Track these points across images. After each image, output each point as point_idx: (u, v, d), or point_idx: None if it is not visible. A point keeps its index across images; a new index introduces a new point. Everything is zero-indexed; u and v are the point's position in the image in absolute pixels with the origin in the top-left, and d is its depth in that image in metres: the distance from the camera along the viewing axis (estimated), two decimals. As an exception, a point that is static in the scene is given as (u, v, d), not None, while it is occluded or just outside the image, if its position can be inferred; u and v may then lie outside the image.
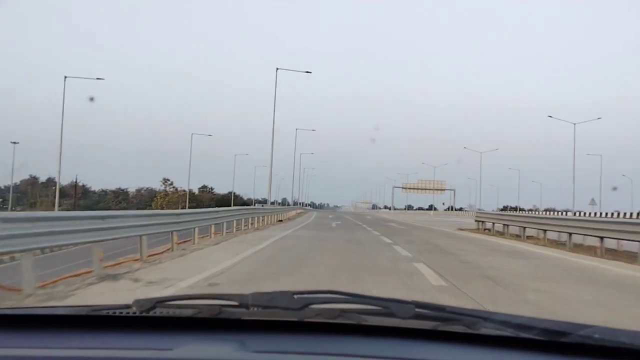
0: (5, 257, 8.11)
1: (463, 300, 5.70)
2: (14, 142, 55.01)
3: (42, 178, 72.76)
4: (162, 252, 10.12)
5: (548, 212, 54.84)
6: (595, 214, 38.85)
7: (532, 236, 16.42)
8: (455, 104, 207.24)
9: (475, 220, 22.74)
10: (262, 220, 21.87)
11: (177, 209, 52.92)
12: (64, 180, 69.70)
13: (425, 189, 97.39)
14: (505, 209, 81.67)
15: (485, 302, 5.58)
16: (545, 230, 15.60)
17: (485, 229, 20.93)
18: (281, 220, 26.89)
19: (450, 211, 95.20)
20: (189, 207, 59.72)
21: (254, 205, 62.55)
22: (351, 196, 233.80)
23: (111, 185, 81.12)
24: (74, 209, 49.02)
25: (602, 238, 12.14)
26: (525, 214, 27.10)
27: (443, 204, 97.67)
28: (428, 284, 6.79)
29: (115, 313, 1.30)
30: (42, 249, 6.92)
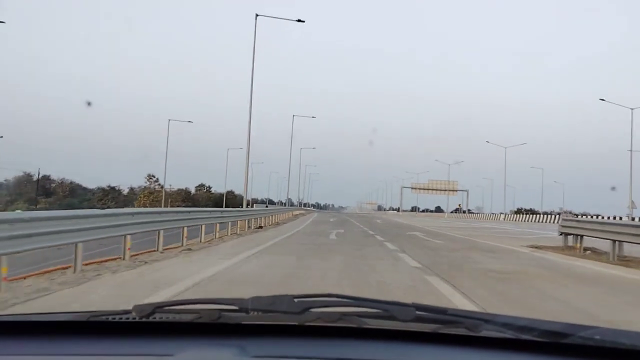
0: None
1: None
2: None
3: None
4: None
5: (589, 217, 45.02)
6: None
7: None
8: (465, 101, 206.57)
9: (561, 233, 13.95)
10: (232, 227, 16.57)
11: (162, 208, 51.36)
12: (54, 177, 69.38)
13: (436, 190, 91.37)
14: (519, 211, 75.86)
15: None
16: None
17: (582, 249, 12.83)
18: (261, 227, 20.71)
19: (458, 213, 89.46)
20: (184, 207, 58.59)
21: (251, 206, 58.20)
22: (356, 197, 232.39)
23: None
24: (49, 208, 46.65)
25: None
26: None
27: (459, 205, 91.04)
28: None
29: (115, 318, 1.30)
30: None
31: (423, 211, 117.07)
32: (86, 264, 7.48)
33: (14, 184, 67.84)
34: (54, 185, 73.37)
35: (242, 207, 26.54)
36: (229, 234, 15.56)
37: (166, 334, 1.25)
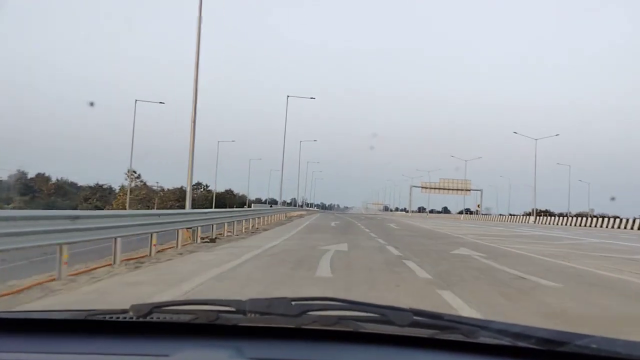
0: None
1: None
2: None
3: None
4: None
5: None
6: None
7: None
8: (472, 100, 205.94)
9: None
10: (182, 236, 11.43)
11: (145, 209, 48.46)
12: (54, 176, 66.53)
13: (448, 189, 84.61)
14: (532, 213, 71.22)
15: None
16: None
17: None
18: (215, 240, 13.26)
19: (467, 215, 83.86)
20: (177, 206, 55.43)
21: (248, 206, 56.03)
22: (362, 197, 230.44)
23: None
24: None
25: None
26: None
27: (478, 206, 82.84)
28: None
29: (112, 318, 1.30)
30: None
31: (430, 212, 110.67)
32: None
33: (10, 182, 65.15)
34: (37, 182, 69.53)
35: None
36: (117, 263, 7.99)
37: (163, 334, 1.25)
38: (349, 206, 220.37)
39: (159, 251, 9.94)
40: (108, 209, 46.70)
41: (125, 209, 43.45)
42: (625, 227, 39.03)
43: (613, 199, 66.03)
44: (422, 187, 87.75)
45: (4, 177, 62.66)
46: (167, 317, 1.30)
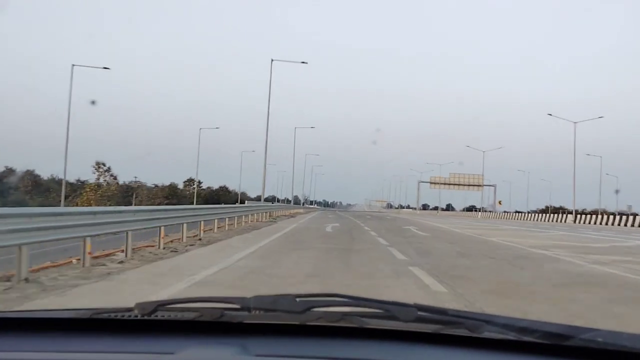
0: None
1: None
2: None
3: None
4: None
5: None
6: None
7: None
8: (476, 98, 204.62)
9: None
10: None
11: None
12: (45, 174, 62.74)
13: (459, 185, 78.82)
14: (547, 210, 66.96)
15: None
16: None
17: None
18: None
19: (470, 212, 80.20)
20: (166, 204, 52.20)
21: (239, 203, 50.69)
22: (365, 194, 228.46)
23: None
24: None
25: None
26: None
27: (500, 203, 75.27)
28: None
29: (117, 316, 1.30)
30: None
31: (434, 209, 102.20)
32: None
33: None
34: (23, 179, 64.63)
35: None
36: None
37: (168, 332, 1.26)
38: (351, 203, 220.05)
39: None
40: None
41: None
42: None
43: (617, 191, 61.73)
44: (431, 183, 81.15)
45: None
46: (172, 315, 1.30)
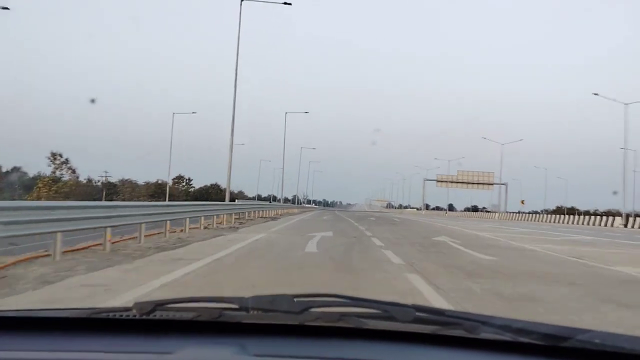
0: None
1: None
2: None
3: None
4: None
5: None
6: None
7: None
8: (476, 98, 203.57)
9: None
10: None
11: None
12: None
13: (468, 183, 73.65)
14: (561, 211, 62.79)
15: None
16: None
17: None
18: None
19: (476, 212, 75.30)
20: (148, 199, 49.20)
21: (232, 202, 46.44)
22: (365, 194, 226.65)
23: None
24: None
25: None
26: None
27: (522, 202, 68.23)
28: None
29: (115, 316, 1.30)
30: None
31: (435, 209, 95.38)
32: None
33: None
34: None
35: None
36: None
37: (166, 331, 1.26)
38: (351, 203, 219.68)
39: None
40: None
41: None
42: None
43: (615, 192, 62.22)
44: (438, 181, 75.25)
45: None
46: (170, 315, 1.30)
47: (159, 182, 67.25)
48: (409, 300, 4.56)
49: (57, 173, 55.98)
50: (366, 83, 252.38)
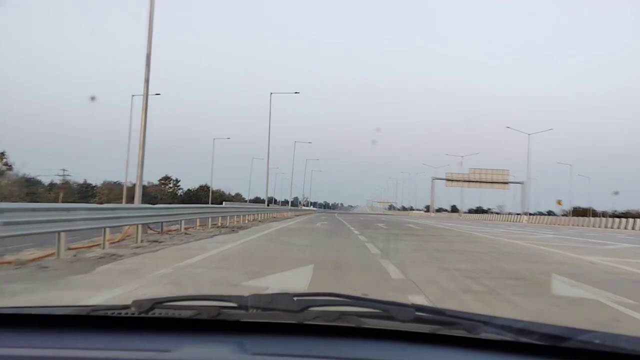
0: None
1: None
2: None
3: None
4: None
5: None
6: None
7: None
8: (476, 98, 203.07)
9: None
10: None
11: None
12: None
13: (482, 182, 68.41)
14: (577, 212, 57.28)
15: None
16: None
17: None
18: None
19: (469, 214, 69.46)
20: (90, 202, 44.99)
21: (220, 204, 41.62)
22: (367, 195, 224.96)
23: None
24: None
25: None
26: None
27: (559, 202, 59.07)
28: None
29: (114, 313, 1.30)
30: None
31: (437, 211, 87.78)
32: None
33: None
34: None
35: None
36: None
37: (165, 329, 1.25)
38: (353, 205, 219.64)
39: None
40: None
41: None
42: None
43: (617, 193, 59.86)
44: (448, 180, 69.93)
45: None
46: (169, 313, 1.30)
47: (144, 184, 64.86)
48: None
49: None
50: (368, 84, 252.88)
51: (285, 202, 68.81)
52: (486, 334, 1.19)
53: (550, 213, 61.71)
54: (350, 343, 1.20)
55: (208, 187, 65.09)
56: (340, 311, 1.25)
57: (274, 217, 33.28)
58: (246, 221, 24.27)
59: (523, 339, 1.16)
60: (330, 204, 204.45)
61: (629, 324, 4.50)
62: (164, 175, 73.00)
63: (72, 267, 7.06)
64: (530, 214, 57.25)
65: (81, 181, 65.57)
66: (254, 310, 1.28)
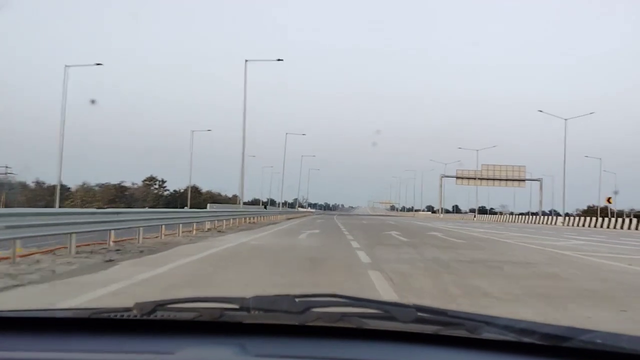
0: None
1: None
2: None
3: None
4: None
5: None
6: None
7: None
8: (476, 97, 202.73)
9: None
10: None
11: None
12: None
13: (495, 180, 62.50)
14: (589, 212, 53.23)
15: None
16: None
17: None
18: None
19: (478, 215, 62.83)
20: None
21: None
22: (368, 196, 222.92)
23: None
24: None
25: None
26: None
27: (609, 200, 52.11)
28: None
29: (116, 316, 1.30)
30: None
31: (435, 212, 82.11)
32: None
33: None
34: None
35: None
36: None
37: (167, 332, 1.25)
38: (354, 206, 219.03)
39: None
40: None
41: None
42: None
43: (616, 192, 52.31)
44: (458, 177, 64.56)
45: None
46: (171, 315, 1.30)
47: (122, 184, 57.21)
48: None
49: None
50: (368, 84, 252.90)
51: (285, 204, 67.38)
52: (488, 334, 1.18)
53: (556, 213, 56.09)
54: (352, 344, 1.20)
55: (197, 189, 61.61)
56: (341, 312, 1.25)
57: (252, 222, 26.46)
58: (205, 229, 17.66)
59: (525, 339, 1.16)
60: (330, 205, 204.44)
61: None
62: (149, 175, 68.38)
63: None
64: (567, 215, 49.08)
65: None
66: (256, 312, 1.28)
